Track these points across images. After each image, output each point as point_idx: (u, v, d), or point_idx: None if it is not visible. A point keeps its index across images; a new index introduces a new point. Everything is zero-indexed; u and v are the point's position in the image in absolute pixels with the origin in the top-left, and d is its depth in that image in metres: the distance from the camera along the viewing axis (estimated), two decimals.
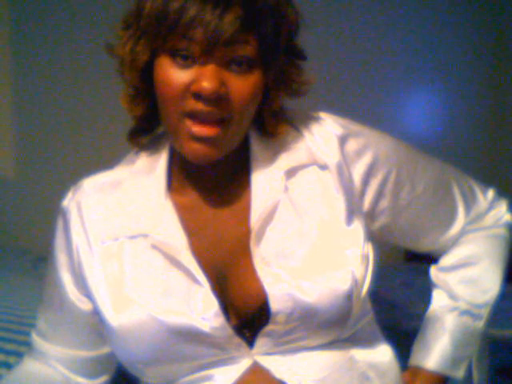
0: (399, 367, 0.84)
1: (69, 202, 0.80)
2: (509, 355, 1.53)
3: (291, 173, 0.76)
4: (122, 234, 0.76)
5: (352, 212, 0.77)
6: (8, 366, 1.01)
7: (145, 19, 0.67)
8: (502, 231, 0.90)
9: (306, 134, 0.78)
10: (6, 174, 2.00)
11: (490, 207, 0.90)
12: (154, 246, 0.74)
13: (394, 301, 1.90)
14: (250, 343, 0.73)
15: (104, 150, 1.71)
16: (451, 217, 0.88)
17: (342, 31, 2.48)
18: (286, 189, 0.76)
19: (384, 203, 0.81)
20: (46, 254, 0.86)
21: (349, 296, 0.71)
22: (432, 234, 0.88)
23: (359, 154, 0.79)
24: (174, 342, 0.70)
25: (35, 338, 0.84)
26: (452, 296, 0.87)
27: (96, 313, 0.76)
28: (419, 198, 0.84)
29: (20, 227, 1.99)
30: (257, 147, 0.77)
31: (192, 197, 0.78)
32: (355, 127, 0.81)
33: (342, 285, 0.71)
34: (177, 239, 0.73)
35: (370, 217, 0.81)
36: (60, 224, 0.81)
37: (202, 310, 0.70)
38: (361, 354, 0.78)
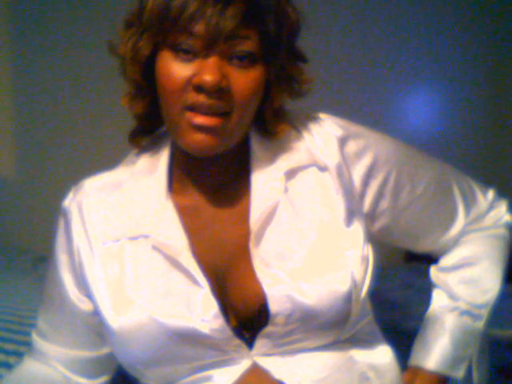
0: (399, 367, 0.84)
1: (70, 202, 0.80)
2: (509, 355, 1.53)
3: (291, 174, 0.76)
4: (123, 235, 0.76)
5: (352, 213, 0.77)
6: (8, 366, 1.01)
7: (147, 15, 0.67)
8: (502, 231, 0.90)
9: (306, 135, 0.78)
10: (6, 174, 2.00)
11: (490, 208, 0.90)
12: (155, 247, 0.74)
13: (394, 301, 1.90)
14: (250, 344, 0.73)
15: (104, 151, 1.71)
16: (451, 217, 0.88)
17: (341, 31, 2.48)
18: (286, 190, 0.76)
19: (384, 204, 0.81)
20: (46, 254, 0.86)
21: (348, 297, 0.71)
22: (432, 234, 0.88)
23: (359, 155, 0.79)
24: (173, 343, 0.70)
25: (35, 338, 0.84)
26: (452, 296, 0.87)
27: (96, 313, 0.76)
28: (419, 198, 0.84)
29: (20, 227, 1.99)
30: (257, 148, 0.77)
31: (192, 198, 0.78)
32: (355, 128, 0.81)
33: (342, 286, 0.71)
34: (177, 240, 0.73)
35: (370, 218, 0.81)
36: (61, 224, 0.81)
37: (202, 312, 0.70)
38: (360, 355, 0.78)
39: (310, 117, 0.80)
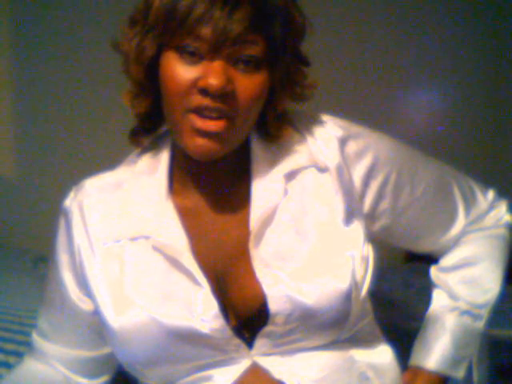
0: (399, 367, 0.84)
1: (71, 202, 0.80)
2: (509, 355, 1.53)
3: (291, 175, 0.76)
4: (124, 236, 0.75)
5: (352, 213, 0.77)
6: (8, 366, 1.01)
7: (153, 15, 0.67)
8: (502, 232, 0.90)
9: (307, 135, 0.78)
10: (6, 174, 2.00)
11: (490, 208, 0.90)
12: (156, 248, 0.74)
13: (394, 301, 1.90)
14: (250, 344, 0.73)
15: (104, 151, 1.71)
16: (451, 218, 0.87)
17: (341, 31, 2.48)
18: (286, 192, 0.76)
19: (384, 205, 0.81)
20: (46, 254, 0.86)
21: (348, 297, 0.71)
22: (432, 234, 0.88)
23: (359, 155, 0.79)
24: (173, 343, 0.70)
25: (36, 338, 0.84)
26: (452, 296, 0.87)
27: (97, 313, 0.76)
28: (419, 199, 0.84)
29: (20, 227, 1.99)
30: (258, 150, 0.77)
31: (193, 199, 0.78)
32: (355, 129, 0.81)
33: (341, 286, 0.71)
34: (178, 241, 0.73)
35: (370, 218, 0.81)
36: (62, 224, 0.81)
37: (202, 312, 0.70)
38: (360, 355, 0.78)
39: (310, 117, 0.80)
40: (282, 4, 0.68)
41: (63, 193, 0.82)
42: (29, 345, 0.86)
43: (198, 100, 0.66)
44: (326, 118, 0.80)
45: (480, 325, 0.86)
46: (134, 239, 0.75)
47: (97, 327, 0.78)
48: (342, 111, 0.85)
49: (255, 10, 0.65)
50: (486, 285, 0.87)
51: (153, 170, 0.78)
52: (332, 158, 0.77)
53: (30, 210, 1.99)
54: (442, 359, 0.84)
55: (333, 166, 0.77)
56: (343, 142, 0.78)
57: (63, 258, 0.79)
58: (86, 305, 0.78)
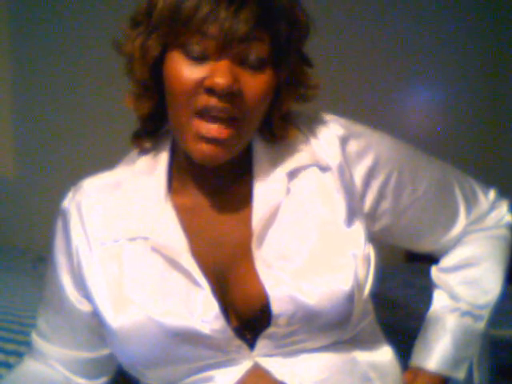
0: (400, 368, 0.84)
1: (69, 202, 0.80)
2: (510, 356, 1.53)
3: (293, 174, 0.76)
4: (122, 236, 0.75)
5: (353, 213, 0.76)
6: (8, 366, 1.01)
7: (157, 14, 0.66)
8: (504, 232, 0.90)
9: (309, 134, 0.78)
10: (6, 174, 2.00)
11: (492, 208, 0.90)
12: (154, 249, 0.74)
13: (394, 301, 1.90)
14: (251, 345, 0.73)
15: (104, 151, 1.71)
16: (452, 218, 0.87)
17: (341, 31, 2.48)
18: (289, 190, 0.75)
19: (385, 205, 0.81)
20: (45, 254, 0.86)
21: (350, 297, 0.71)
22: (433, 235, 0.88)
23: (360, 155, 0.79)
24: (173, 344, 0.70)
25: (35, 338, 0.84)
26: (453, 297, 0.87)
27: (95, 314, 0.76)
28: (420, 199, 0.83)
29: (20, 227, 1.99)
30: (260, 149, 0.77)
31: (193, 198, 0.78)
32: (357, 128, 0.81)
33: (344, 286, 0.71)
34: (177, 242, 0.73)
35: (370, 218, 0.80)
36: (59, 225, 0.80)
37: (202, 313, 0.70)
38: (362, 355, 0.78)
39: (311, 116, 0.80)
40: (287, 3, 0.68)
41: (63, 193, 0.82)
42: (29, 345, 0.86)
43: (204, 100, 0.66)
44: (327, 117, 0.80)
45: (481, 325, 0.86)
46: (132, 239, 0.75)
47: (96, 328, 0.78)
48: (342, 110, 0.85)
49: (261, 10, 0.64)
50: (487, 285, 0.87)
51: (152, 169, 0.77)
52: (334, 157, 0.77)
53: (30, 210, 1.99)
54: (443, 360, 0.84)
55: (334, 165, 0.76)
56: (344, 142, 0.78)
57: (61, 260, 0.79)
58: (84, 306, 0.78)
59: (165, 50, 0.68)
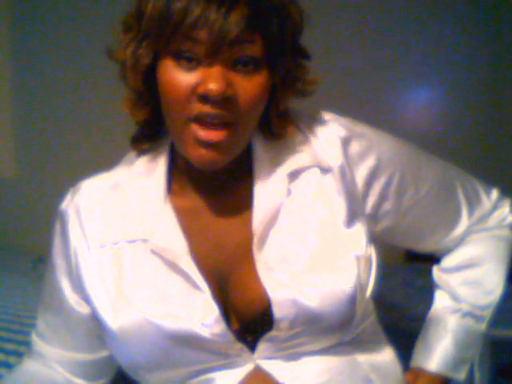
0: (401, 368, 0.83)
1: (67, 204, 0.79)
2: (511, 356, 1.53)
3: (294, 175, 0.75)
4: (121, 238, 0.75)
5: (354, 214, 0.76)
6: (8, 366, 1.01)
7: (146, 20, 0.65)
8: (506, 232, 0.90)
9: (310, 135, 0.77)
10: (6, 174, 2.00)
11: (494, 208, 0.89)
12: (154, 251, 0.73)
13: (395, 301, 1.90)
14: (252, 347, 0.72)
15: (104, 151, 1.71)
16: (455, 218, 0.87)
17: (342, 30, 2.48)
18: (289, 192, 0.75)
19: (387, 206, 0.80)
20: (45, 254, 0.86)
21: (353, 299, 0.70)
22: (435, 235, 0.87)
23: (362, 156, 0.78)
24: (173, 346, 0.70)
25: (35, 339, 0.84)
26: (454, 297, 0.87)
27: (94, 316, 0.76)
28: (423, 199, 0.83)
29: (20, 227, 1.99)
30: (260, 150, 0.76)
31: (193, 200, 0.77)
32: (358, 128, 0.80)
33: (346, 288, 0.70)
34: (176, 244, 0.72)
35: (372, 219, 0.79)
36: (58, 228, 0.80)
37: (202, 316, 0.69)
38: (363, 357, 0.77)
39: (313, 116, 0.79)
40: (278, 1, 0.67)
41: (63, 193, 0.82)
42: (29, 345, 0.86)
43: (198, 107, 0.65)
44: (328, 116, 0.79)
45: (482, 326, 0.86)
46: (131, 242, 0.74)
47: (95, 330, 0.78)
48: (343, 110, 0.84)
49: (251, 10, 0.63)
50: (488, 286, 0.86)
51: (151, 171, 0.77)
52: (335, 158, 0.76)
53: (30, 210, 1.99)
54: (444, 361, 0.83)
55: (336, 166, 0.76)
56: (346, 143, 0.77)
57: (59, 263, 0.79)
58: (83, 308, 0.78)
59: (157, 58, 0.67)
